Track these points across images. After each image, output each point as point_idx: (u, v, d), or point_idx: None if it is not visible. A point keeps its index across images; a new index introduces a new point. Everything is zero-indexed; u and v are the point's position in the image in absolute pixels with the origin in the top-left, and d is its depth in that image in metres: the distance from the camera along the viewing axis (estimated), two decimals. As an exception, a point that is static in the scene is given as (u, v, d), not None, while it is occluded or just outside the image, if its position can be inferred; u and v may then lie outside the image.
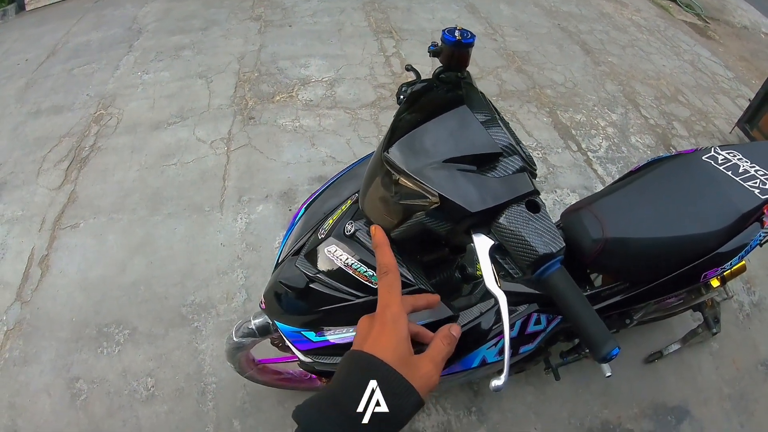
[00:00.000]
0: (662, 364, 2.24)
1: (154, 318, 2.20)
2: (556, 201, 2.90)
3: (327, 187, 1.41)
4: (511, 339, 1.31)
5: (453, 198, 0.82)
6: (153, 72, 3.72)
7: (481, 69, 3.97)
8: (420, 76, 1.19)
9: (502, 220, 0.82)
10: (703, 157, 1.68)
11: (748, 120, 3.69)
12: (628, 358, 2.23)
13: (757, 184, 1.56)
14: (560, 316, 1.44)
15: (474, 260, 1.02)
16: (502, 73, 3.99)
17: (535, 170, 0.92)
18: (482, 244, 0.84)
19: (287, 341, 1.25)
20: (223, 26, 4.35)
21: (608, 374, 1.67)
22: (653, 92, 4.10)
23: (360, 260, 1.07)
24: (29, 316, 2.21)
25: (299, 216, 1.39)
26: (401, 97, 1.15)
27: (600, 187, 3.11)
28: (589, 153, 3.28)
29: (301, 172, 2.91)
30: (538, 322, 1.40)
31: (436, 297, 0.83)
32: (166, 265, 2.38)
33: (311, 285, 1.16)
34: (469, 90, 1.02)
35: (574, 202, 1.69)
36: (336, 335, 1.14)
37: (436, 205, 0.84)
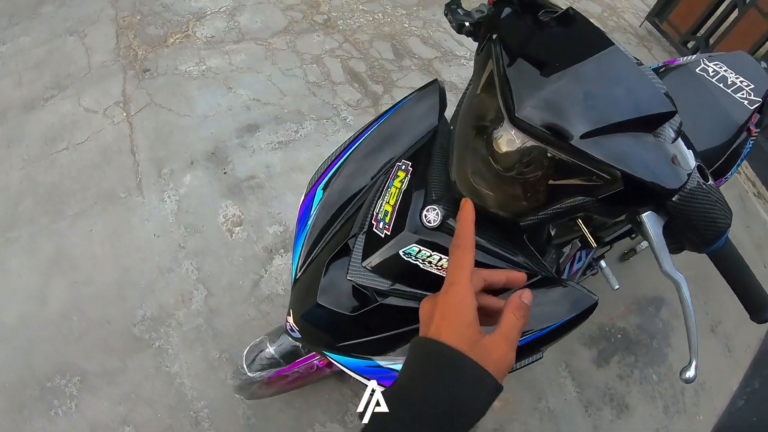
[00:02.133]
0: (635, 260, 2.31)
1: (103, 351, 1.73)
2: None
3: (341, 162, 1.02)
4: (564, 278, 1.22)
5: (647, 178, 0.63)
6: (10, 41, 2.88)
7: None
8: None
9: (680, 195, 0.66)
10: (696, 70, 1.69)
11: (657, 14, 3.84)
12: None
13: (744, 95, 1.61)
14: (593, 249, 1.46)
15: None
16: None
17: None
18: (655, 223, 0.70)
19: (353, 374, 0.96)
20: (83, -35, 3.49)
21: (616, 287, 1.70)
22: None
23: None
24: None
25: (314, 206, 1.00)
26: (465, 23, 0.92)
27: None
28: None
29: (224, 123, 2.39)
30: (579, 259, 1.43)
31: (521, 275, 0.64)
32: (94, 280, 1.86)
33: (383, 301, 0.87)
34: (582, 18, 0.76)
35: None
36: None
37: (616, 186, 0.64)
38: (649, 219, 0.70)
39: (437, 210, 0.78)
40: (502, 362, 0.53)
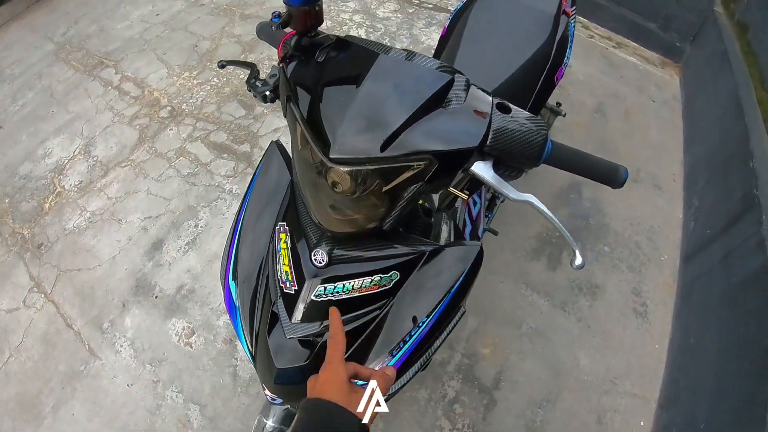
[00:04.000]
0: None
1: None
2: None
3: (235, 246, 1.12)
4: (471, 231, 1.39)
5: (450, 147, 0.77)
6: None
7: (210, 39, 3.52)
8: (253, 64, 1.07)
9: (492, 136, 0.79)
10: None
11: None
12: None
13: None
14: (482, 186, 1.53)
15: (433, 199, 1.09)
16: (232, 29, 3.64)
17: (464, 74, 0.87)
18: (484, 169, 0.81)
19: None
20: (-72, 182, 3.42)
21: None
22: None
23: (356, 276, 0.91)
24: None
25: (233, 293, 1.10)
26: (266, 93, 1.03)
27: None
28: None
29: (132, 255, 2.48)
30: (475, 203, 1.52)
31: (382, 374, 0.77)
32: (98, 453, 1.94)
33: (323, 340, 0.95)
34: (353, 40, 0.90)
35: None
36: (398, 355, 0.95)
37: (433, 165, 0.77)
38: (478, 168, 0.81)
39: (320, 251, 0.90)
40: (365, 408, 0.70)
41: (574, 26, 1.79)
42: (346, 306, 0.92)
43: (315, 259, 0.91)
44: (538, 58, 1.58)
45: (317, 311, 0.93)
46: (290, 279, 0.95)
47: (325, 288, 0.90)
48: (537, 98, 1.63)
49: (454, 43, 1.69)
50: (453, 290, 0.96)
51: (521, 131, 0.80)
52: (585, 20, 3.66)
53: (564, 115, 2.21)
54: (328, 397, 0.68)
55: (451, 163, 0.80)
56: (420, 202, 1.13)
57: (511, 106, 0.83)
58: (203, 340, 2.14)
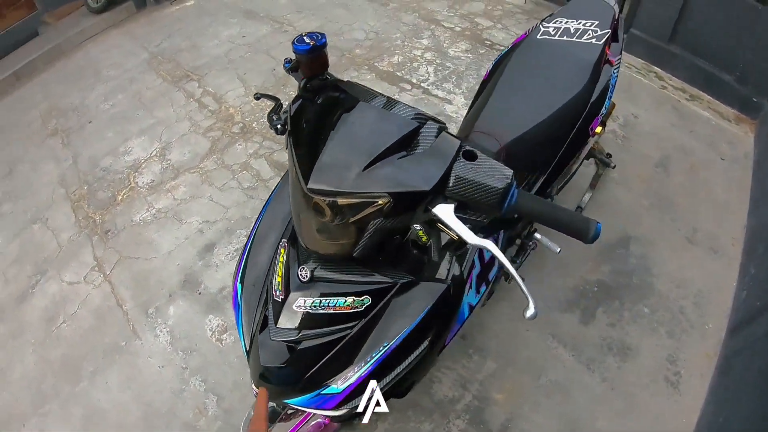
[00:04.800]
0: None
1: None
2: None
3: (247, 253, 1.30)
4: (479, 274, 1.41)
5: (405, 189, 0.84)
6: (-18, 246, 3.25)
7: (284, 60, 3.83)
8: (279, 99, 1.18)
9: (452, 181, 0.85)
10: (537, 36, 1.77)
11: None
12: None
13: (590, 36, 1.68)
14: (502, 230, 1.53)
15: (417, 230, 1.07)
16: None
17: (444, 124, 0.94)
18: (445, 211, 0.86)
19: (309, 410, 1.16)
20: (26, 159, 3.85)
21: (558, 250, 1.74)
22: (445, 3, 4.16)
23: (333, 295, 1.03)
24: None
25: (239, 294, 1.26)
26: (278, 126, 1.13)
27: (450, 107, 3.17)
28: (422, 84, 3.31)
29: (186, 252, 2.72)
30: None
31: None
32: (125, 424, 2.13)
33: (300, 347, 1.08)
34: (347, 86, 1.02)
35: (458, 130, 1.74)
36: (359, 372, 1.06)
37: (391, 204, 0.84)
38: (439, 210, 0.85)
39: (305, 268, 1.04)
40: None
41: (616, 76, 1.73)
42: (320, 321, 1.05)
43: (300, 275, 1.05)
44: (573, 106, 1.56)
45: (297, 321, 1.06)
46: (280, 289, 1.10)
47: (305, 301, 1.03)
48: (569, 147, 1.61)
49: (490, 87, 1.70)
50: (414, 323, 1.05)
51: (482, 179, 0.84)
52: (659, 70, 3.48)
53: (613, 167, 2.22)
54: None
55: (407, 203, 0.86)
56: (422, 236, 1.22)
57: (479, 154, 0.88)
58: (233, 339, 2.32)
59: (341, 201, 0.86)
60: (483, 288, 1.38)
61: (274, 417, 1.41)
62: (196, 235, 2.80)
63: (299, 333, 1.06)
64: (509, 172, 0.85)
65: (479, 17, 3.86)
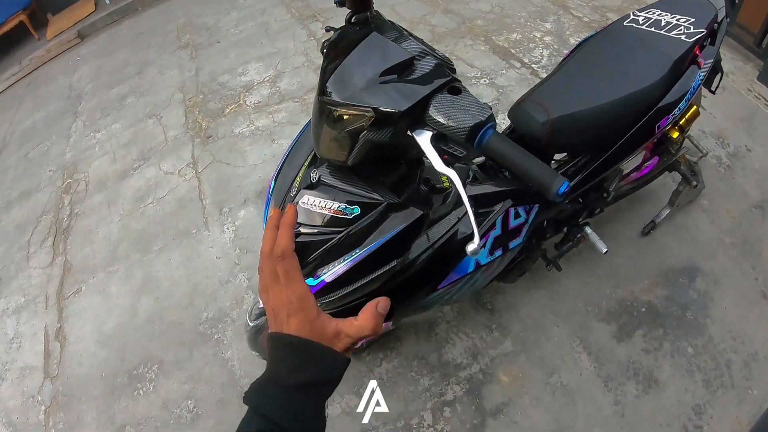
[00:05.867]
0: (659, 233, 2.17)
1: (176, 345, 2.15)
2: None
3: (285, 160, 1.40)
4: (498, 236, 1.37)
5: (383, 106, 0.90)
6: (104, 128, 3.62)
7: (410, 21, 3.86)
8: (351, 22, 1.22)
9: (430, 110, 0.89)
10: (624, 23, 1.66)
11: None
12: (624, 235, 2.17)
13: (682, 31, 1.54)
14: (537, 204, 1.45)
15: (437, 172, 0.97)
16: (431, 19, 3.88)
17: (452, 65, 1.00)
18: (423, 138, 0.91)
19: None
20: (156, 64, 4.24)
21: (604, 250, 1.71)
22: (580, -10, 3.98)
23: (332, 199, 1.10)
24: (62, 388, 2.16)
25: (271, 189, 1.37)
26: (323, 52, 1.18)
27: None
28: (533, 65, 3.19)
29: (269, 168, 2.85)
30: (517, 215, 1.40)
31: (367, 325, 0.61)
32: (172, 295, 2.32)
33: (296, 239, 1.14)
34: (379, 22, 1.10)
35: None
36: (329, 272, 1.14)
37: (373, 118, 0.91)
38: (418, 134, 0.92)
39: (316, 171, 1.12)
40: (346, 344, 0.58)
41: (701, 80, 1.58)
42: (317, 219, 1.11)
43: (311, 177, 1.13)
44: (641, 98, 1.46)
45: (300, 215, 1.12)
46: (296, 187, 1.18)
47: (308, 199, 1.11)
48: (629, 140, 1.51)
49: (561, 63, 1.65)
50: (385, 238, 1.11)
51: (455, 112, 0.87)
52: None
53: (695, 186, 2.00)
54: (299, 333, 0.56)
55: (387, 121, 0.92)
56: (444, 180, 1.29)
57: (464, 89, 0.92)
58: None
59: (339, 111, 0.96)
60: (498, 252, 1.36)
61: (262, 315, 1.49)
62: (282, 156, 2.92)
63: (298, 227, 1.13)
64: (487, 112, 0.86)
65: (611, 12, 3.62)
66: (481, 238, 1.23)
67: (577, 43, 1.77)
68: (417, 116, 0.91)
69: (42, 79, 4.91)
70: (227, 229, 2.55)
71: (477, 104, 0.87)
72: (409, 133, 0.93)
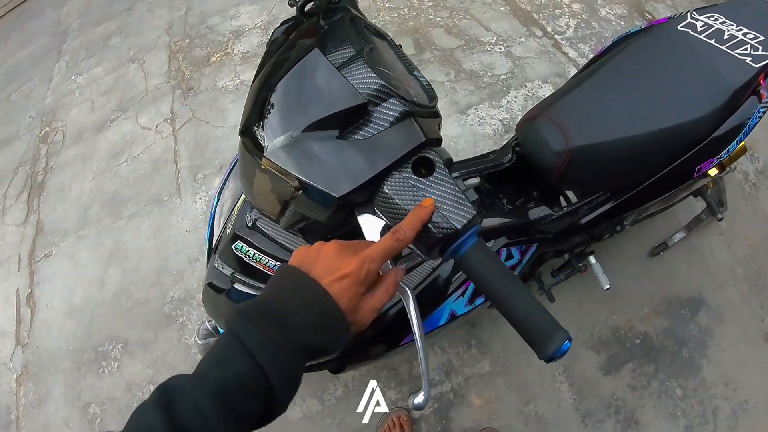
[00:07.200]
0: (669, 254, 1.99)
1: (142, 325, 2.13)
2: (527, 96, 2.54)
3: (231, 168, 1.25)
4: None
5: (313, 181, 0.64)
6: (86, 72, 3.45)
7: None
8: (305, 11, 0.84)
9: (385, 188, 0.62)
10: (678, 27, 1.32)
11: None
12: (630, 253, 1.99)
13: (747, 51, 1.22)
14: (536, 244, 1.24)
15: None
16: None
17: (433, 106, 0.72)
18: (370, 226, 0.65)
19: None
20: (147, 0, 3.98)
21: (607, 287, 1.52)
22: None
23: (262, 251, 0.96)
24: (32, 357, 2.19)
25: (214, 207, 1.24)
26: (268, 50, 0.90)
27: (574, 72, 2.76)
28: (556, 36, 2.90)
29: (250, 131, 2.71)
30: (509, 256, 1.21)
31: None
32: (140, 268, 2.28)
33: (234, 286, 1.03)
34: (336, 21, 0.78)
35: (530, 108, 1.38)
36: None
37: (299, 191, 0.66)
38: (364, 220, 0.66)
39: (253, 213, 0.98)
40: (370, 319, 0.55)
41: (760, 117, 1.25)
42: (250, 271, 1.00)
43: (247, 218, 1.02)
44: (684, 133, 1.18)
45: (233, 261, 1.03)
46: (233, 221, 1.06)
47: (242, 246, 0.99)
48: (658, 183, 1.26)
49: (592, 69, 1.33)
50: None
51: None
52: None
53: (720, 220, 1.72)
54: (338, 297, 0.52)
55: (318, 199, 0.67)
56: None
57: (439, 167, 0.64)
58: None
59: (265, 164, 0.69)
60: (479, 301, 1.16)
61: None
62: (265, 117, 2.77)
63: (233, 273, 1.02)
64: (469, 213, 0.60)
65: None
66: (459, 287, 1.10)
67: (615, 38, 1.45)
68: (364, 196, 0.65)
69: (31, 12, 4.67)
70: (200, 199, 2.45)
71: (455, 197, 0.60)
72: (355, 213, 0.68)
